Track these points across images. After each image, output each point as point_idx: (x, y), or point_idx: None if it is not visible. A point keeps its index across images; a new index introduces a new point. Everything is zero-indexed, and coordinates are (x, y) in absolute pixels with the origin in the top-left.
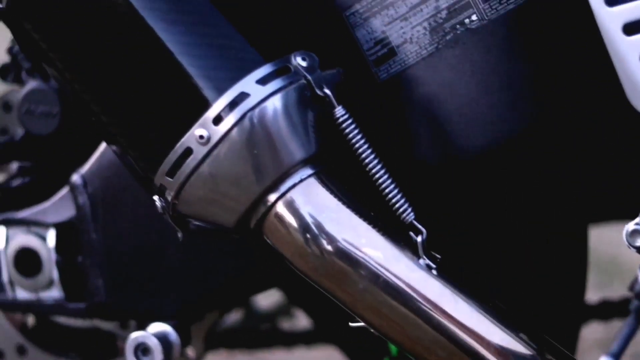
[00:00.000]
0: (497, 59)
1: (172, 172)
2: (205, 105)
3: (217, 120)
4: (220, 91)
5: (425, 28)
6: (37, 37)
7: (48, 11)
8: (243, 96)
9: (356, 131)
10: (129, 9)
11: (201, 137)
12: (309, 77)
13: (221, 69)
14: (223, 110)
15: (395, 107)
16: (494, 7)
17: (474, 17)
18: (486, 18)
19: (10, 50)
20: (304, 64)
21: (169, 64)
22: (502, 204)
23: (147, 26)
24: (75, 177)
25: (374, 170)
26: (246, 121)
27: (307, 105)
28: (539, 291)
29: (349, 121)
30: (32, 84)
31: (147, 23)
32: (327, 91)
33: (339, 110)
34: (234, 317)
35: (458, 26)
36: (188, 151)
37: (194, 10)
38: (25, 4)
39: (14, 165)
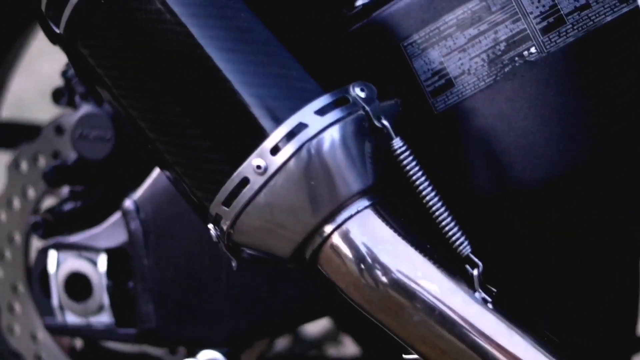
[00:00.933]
0: (555, 92)
1: (228, 202)
2: (263, 135)
3: (275, 150)
4: (279, 121)
5: (483, 60)
6: (93, 63)
7: (105, 37)
8: (301, 127)
9: (414, 163)
10: (187, 37)
11: (258, 167)
12: (368, 109)
13: (279, 99)
14: (281, 140)
15: (452, 139)
16: (553, 39)
17: (532, 50)
18: (545, 51)
19: (64, 74)
20: (362, 94)
21: (226, 93)
22: (557, 236)
23: (205, 54)
24: (128, 203)
25: (431, 203)
26: (304, 152)
27: (365, 136)
28: (592, 323)
29: (407, 153)
30: (85, 109)
31: (205, 51)
32: (385, 122)
33: (397, 142)
34: (282, 343)
35: (517, 58)
36: (245, 181)
37: (254, 39)
38: (82, 29)
39: (66, 189)
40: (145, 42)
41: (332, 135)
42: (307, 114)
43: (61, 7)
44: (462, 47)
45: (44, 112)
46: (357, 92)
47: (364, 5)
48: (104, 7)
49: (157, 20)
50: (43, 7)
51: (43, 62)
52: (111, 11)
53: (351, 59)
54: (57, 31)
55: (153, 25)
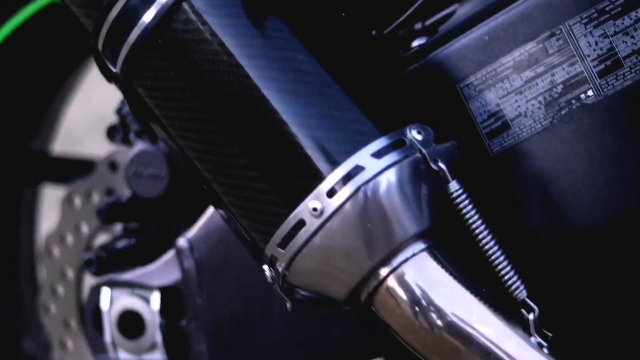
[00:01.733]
0: (612, 135)
1: (284, 244)
2: (320, 177)
3: (331, 192)
4: (335, 164)
5: (540, 102)
6: (149, 102)
7: (161, 77)
8: (358, 169)
9: (470, 206)
10: (244, 78)
11: (314, 209)
12: (424, 151)
13: (336, 141)
14: (337, 183)
15: (508, 181)
16: (610, 82)
17: (589, 93)
18: (602, 94)
19: (118, 112)
20: (419, 137)
21: (283, 135)
22: (613, 281)
23: (262, 96)
24: (182, 241)
25: (487, 246)
26: (360, 194)
27: (421, 179)
28: None
29: (463, 196)
30: (140, 146)
31: (262, 92)
32: (442, 165)
33: (453, 185)
34: None
35: (573, 101)
36: (301, 223)
37: (311, 81)
38: (138, 68)
39: (119, 226)
40: (202, 82)
41: (389, 178)
42: (363, 156)
43: (118, 46)
44: (518, 90)
45: (94, 141)
46: (414, 134)
47: (420, 46)
48: (161, 47)
49: (214, 60)
50: (100, 46)
51: (93, 92)
52: (168, 51)
53: (408, 100)
54: (114, 70)
55: (210, 65)
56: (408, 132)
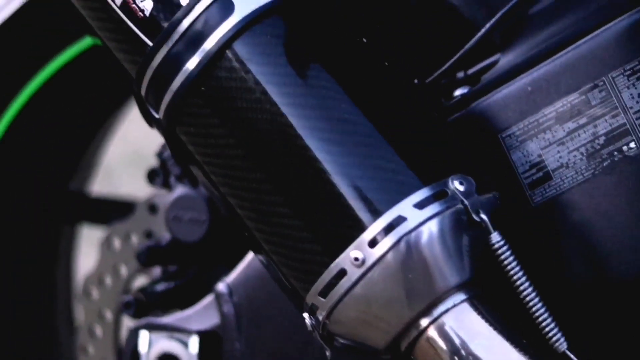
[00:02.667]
0: None
1: (324, 293)
2: (362, 227)
3: (373, 242)
4: (378, 214)
5: (582, 154)
6: (191, 148)
7: (204, 124)
8: (400, 220)
9: (511, 258)
10: (287, 127)
11: (356, 259)
12: (466, 202)
13: (379, 191)
14: (379, 233)
15: (549, 231)
16: None
17: (632, 145)
18: None
19: (159, 155)
20: (461, 188)
21: (326, 184)
22: None
23: (305, 145)
24: (221, 286)
25: (528, 298)
26: (402, 245)
27: (463, 230)
28: None
29: (505, 247)
30: (181, 190)
31: (305, 141)
32: (484, 217)
33: (495, 237)
34: None
35: (616, 153)
36: (342, 272)
37: (353, 130)
38: (181, 115)
39: (158, 269)
40: (245, 130)
41: (431, 228)
42: (406, 207)
43: (161, 92)
44: (560, 140)
45: (129, 177)
46: (456, 185)
47: (462, 95)
48: (205, 95)
49: (257, 109)
50: (143, 92)
51: (129, 127)
52: (211, 98)
53: (449, 149)
54: (156, 116)
55: (253, 114)
56: (450, 182)
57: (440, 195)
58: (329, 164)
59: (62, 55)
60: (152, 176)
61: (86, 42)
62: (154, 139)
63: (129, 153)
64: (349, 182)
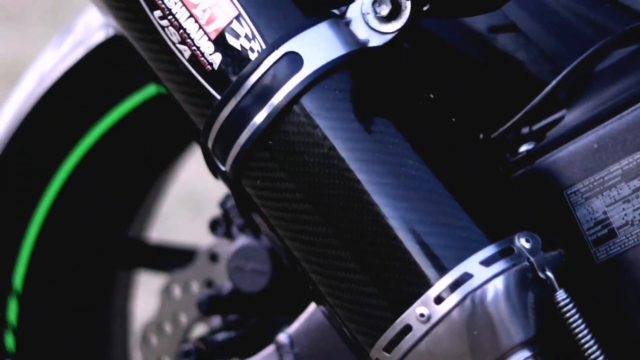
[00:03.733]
0: None
1: (389, 348)
2: (428, 283)
3: (439, 299)
4: (444, 270)
5: None
6: (257, 201)
7: (271, 178)
8: (466, 277)
9: (577, 315)
10: (354, 182)
11: (422, 315)
12: (532, 260)
13: (445, 248)
14: (445, 289)
15: (614, 289)
16: None
17: None
18: None
19: (222, 205)
20: (527, 245)
21: (392, 240)
22: None
23: (372, 200)
24: (282, 336)
25: (592, 356)
26: (468, 302)
27: (528, 287)
28: None
29: (570, 305)
30: (243, 241)
31: (372, 197)
32: (549, 274)
33: (561, 294)
34: None
35: None
36: (407, 328)
37: (420, 187)
38: (248, 168)
39: (218, 318)
40: (312, 185)
41: (496, 286)
42: (472, 264)
43: (228, 145)
44: (626, 198)
45: (182, 219)
46: (522, 242)
47: (528, 151)
48: (272, 149)
49: (324, 164)
50: (209, 144)
51: (181, 167)
52: (278, 152)
53: (515, 205)
54: (223, 168)
55: (320, 169)
56: (516, 240)
57: (506, 252)
58: (395, 219)
59: (126, 103)
60: (214, 226)
61: (150, 90)
62: (207, 181)
63: (182, 195)
64: (416, 238)
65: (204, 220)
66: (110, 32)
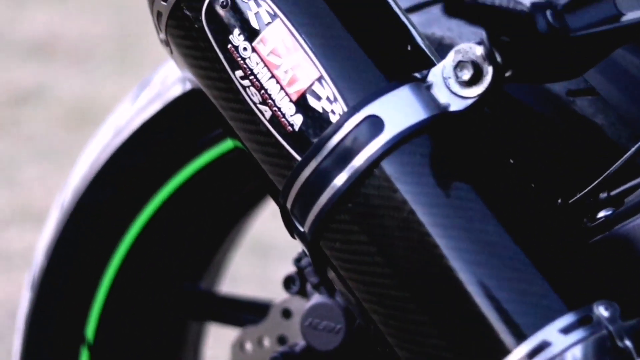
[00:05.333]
0: None
1: None
2: (506, 350)
3: None
4: (522, 337)
5: None
6: (335, 263)
7: (350, 240)
8: (544, 345)
9: None
10: (433, 247)
11: None
12: (611, 329)
13: (524, 315)
14: (523, 357)
15: None
16: None
17: None
18: None
19: (297, 262)
20: (606, 314)
21: (469, 306)
22: None
23: (450, 266)
24: None
25: None
26: None
27: (606, 356)
28: None
29: None
30: (318, 298)
31: (450, 263)
32: (628, 343)
33: None
34: None
35: None
36: None
37: (500, 253)
38: (327, 230)
39: None
40: (391, 248)
41: (575, 354)
42: (551, 332)
43: (308, 207)
44: None
45: (246, 267)
46: (601, 310)
47: (606, 217)
48: (351, 211)
49: (404, 228)
50: (288, 204)
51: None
52: (358, 215)
53: (593, 272)
54: (301, 229)
55: (399, 232)
56: (595, 308)
57: (585, 320)
58: (474, 285)
59: (202, 157)
60: (289, 283)
61: (226, 145)
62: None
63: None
64: (495, 304)
65: (267, 266)
66: (188, 86)
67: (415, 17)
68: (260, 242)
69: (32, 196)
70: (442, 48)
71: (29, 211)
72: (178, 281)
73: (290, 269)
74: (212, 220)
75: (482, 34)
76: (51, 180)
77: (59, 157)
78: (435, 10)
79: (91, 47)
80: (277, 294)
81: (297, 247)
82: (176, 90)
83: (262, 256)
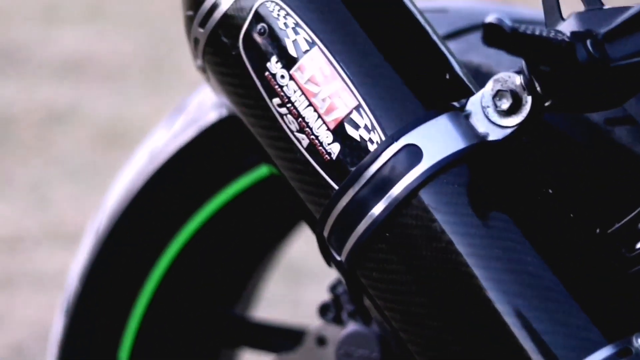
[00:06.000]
0: None
1: None
2: None
3: None
4: None
5: None
6: (372, 292)
7: (388, 270)
8: None
9: None
10: (470, 277)
11: None
12: None
13: (561, 347)
14: None
15: None
16: None
17: None
18: None
19: (332, 289)
20: None
21: (508, 337)
22: None
23: (488, 297)
24: None
25: None
26: None
27: None
28: None
29: None
30: (353, 327)
31: (488, 294)
32: None
33: None
34: None
35: None
36: None
37: (538, 284)
38: (364, 260)
39: None
40: (428, 279)
41: None
42: None
43: (345, 236)
44: None
45: (275, 288)
46: None
47: None
48: (389, 241)
49: (441, 258)
50: (325, 233)
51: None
52: (395, 245)
53: (632, 303)
54: (338, 258)
55: (437, 262)
56: (634, 340)
57: (624, 353)
58: (512, 317)
59: (237, 183)
60: (324, 311)
61: (261, 171)
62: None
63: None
64: (533, 336)
65: (298, 290)
66: (224, 112)
67: (452, 44)
68: (291, 265)
69: (63, 217)
70: (479, 76)
71: (60, 232)
72: (212, 306)
73: (321, 293)
74: (247, 246)
75: (520, 61)
76: (82, 201)
77: (90, 177)
78: (473, 37)
79: (123, 67)
80: (306, 317)
81: (328, 271)
82: (212, 116)
83: (293, 280)
